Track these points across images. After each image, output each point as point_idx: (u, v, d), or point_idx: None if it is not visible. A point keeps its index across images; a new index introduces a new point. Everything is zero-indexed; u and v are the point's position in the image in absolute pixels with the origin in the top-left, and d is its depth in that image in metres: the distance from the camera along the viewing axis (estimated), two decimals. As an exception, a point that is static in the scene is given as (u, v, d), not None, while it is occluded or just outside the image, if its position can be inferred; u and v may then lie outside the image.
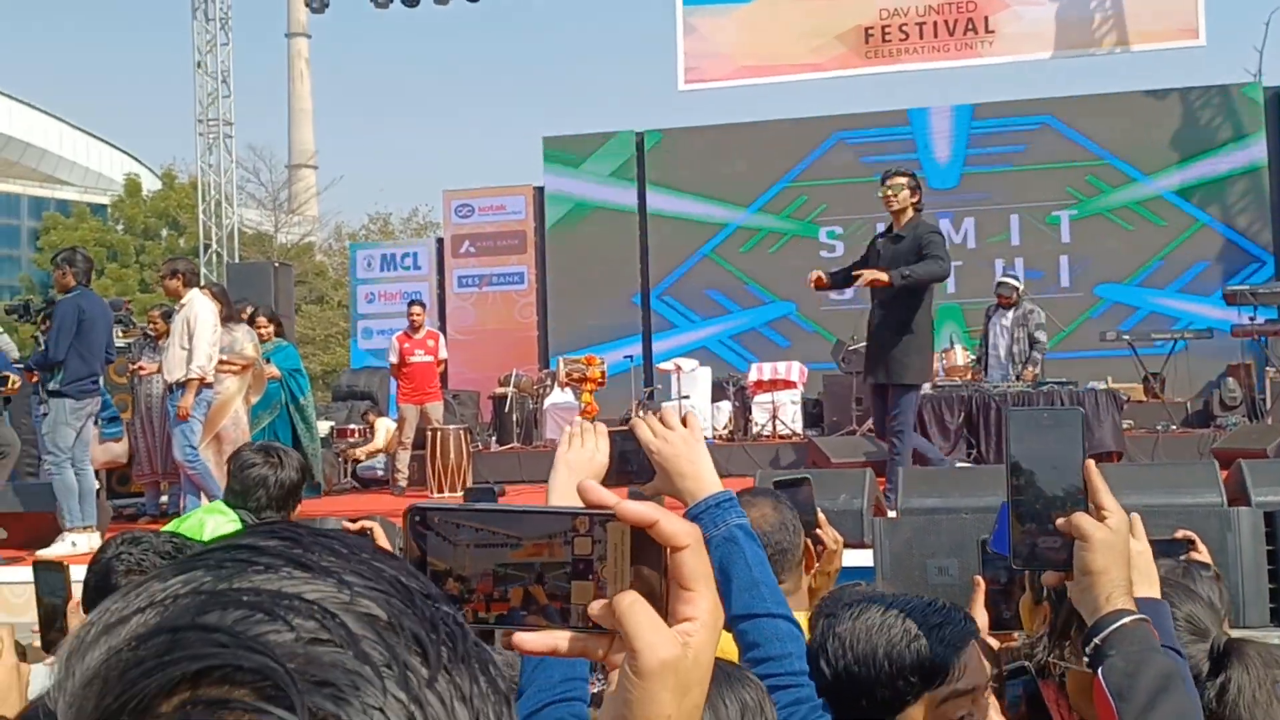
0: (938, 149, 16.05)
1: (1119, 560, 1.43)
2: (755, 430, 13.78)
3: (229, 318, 9.00)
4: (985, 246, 15.72)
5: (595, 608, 0.74)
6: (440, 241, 17.58)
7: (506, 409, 13.72)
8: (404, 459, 10.92)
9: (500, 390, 14.09)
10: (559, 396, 13.97)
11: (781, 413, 13.70)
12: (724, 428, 13.87)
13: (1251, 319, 12.47)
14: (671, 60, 16.13)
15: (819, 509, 2.79)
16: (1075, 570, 1.44)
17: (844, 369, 13.84)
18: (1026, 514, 1.48)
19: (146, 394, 9.41)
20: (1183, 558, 2.92)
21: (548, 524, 0.75)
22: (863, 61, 15.57)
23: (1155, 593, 1.59)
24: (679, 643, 0.73)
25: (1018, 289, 11.14)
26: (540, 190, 16.94)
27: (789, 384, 14.37)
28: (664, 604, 0.74)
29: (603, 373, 13.69)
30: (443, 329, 16.01)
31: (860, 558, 4.92)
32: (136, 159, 46.60)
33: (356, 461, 12.74)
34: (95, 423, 9.45)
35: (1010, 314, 10.98)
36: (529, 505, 0.81)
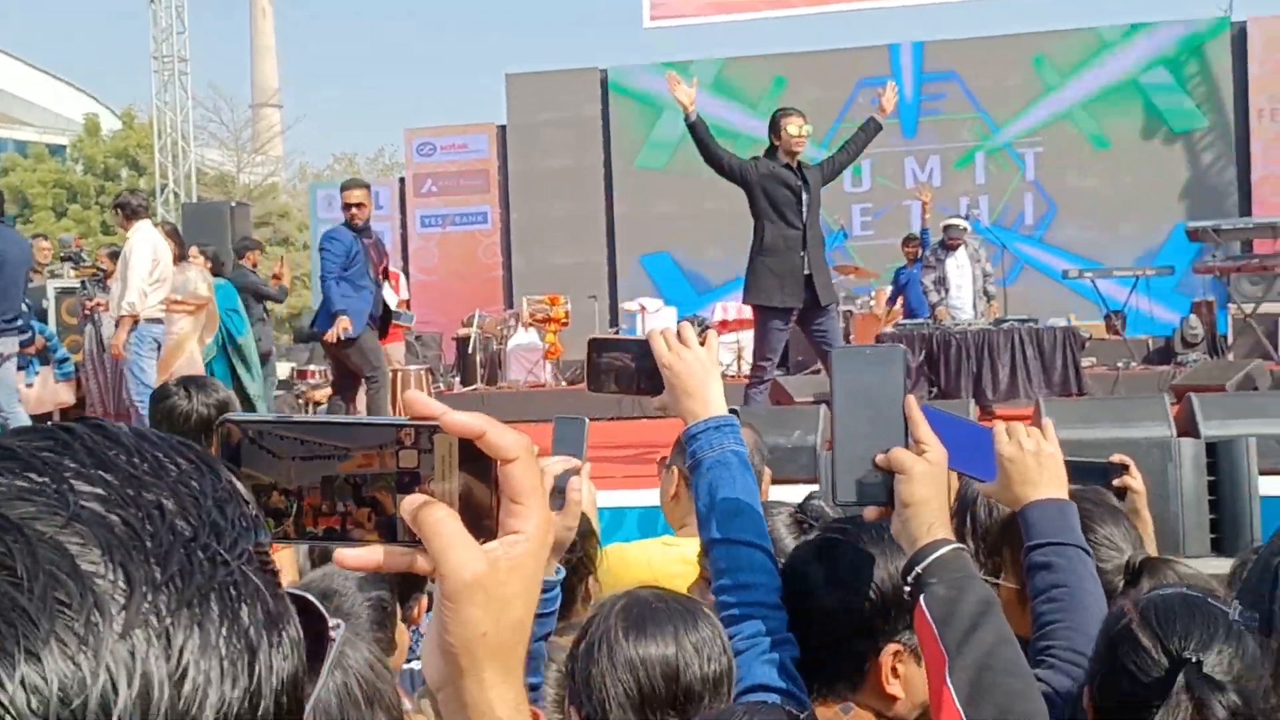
0: (905, 87, 15.98)
1: (938, 492, 1.45)
2: (720, 370, 13.79)
3: (182, 257, 8.90)
4: (950, 184, 15.69)
5: (407, 510, 0.71)
6: (402, 181, 17.40)
7: (470, 350, 13.66)
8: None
9: (463, 331, 14.02)
10: (523, 337, 13.92)
11: (747, 352, 13.72)
12: (689, 367, 13.86)
13: (1213, 255, 12.53)
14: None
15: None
16: (896, 503, 1.45)
17: (809, 308, 13.85)
18: (850, 451, 1.49)
19: (100, 334, 9.33)
20: (1117, 481, 2.95)
21: (373, 435, 0.73)
22: (830, -2, 15.46)
23: (1064, 494, 1.65)
24: (488, 559, 0.71)
25: (967, 229, 11.27)
26: (503, 129, 16.76)
27: (753, 323, 14.38)
28: (494, 517, 0.72)
29: (567, 313, 13.65)
30: (405, 270, 15.88)
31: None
32: (96, 99, 45.80)
33: (317, 404, 12.67)
34: (46, 362, 9.35)
35: (963, 253, 11.09)
36: (351, 416, 0.78)
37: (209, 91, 31.84)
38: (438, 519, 0.70)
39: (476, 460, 0.72)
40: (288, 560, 2.05)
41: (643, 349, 1.75)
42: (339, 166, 37.35)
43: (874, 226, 15.82)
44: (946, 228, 11.40)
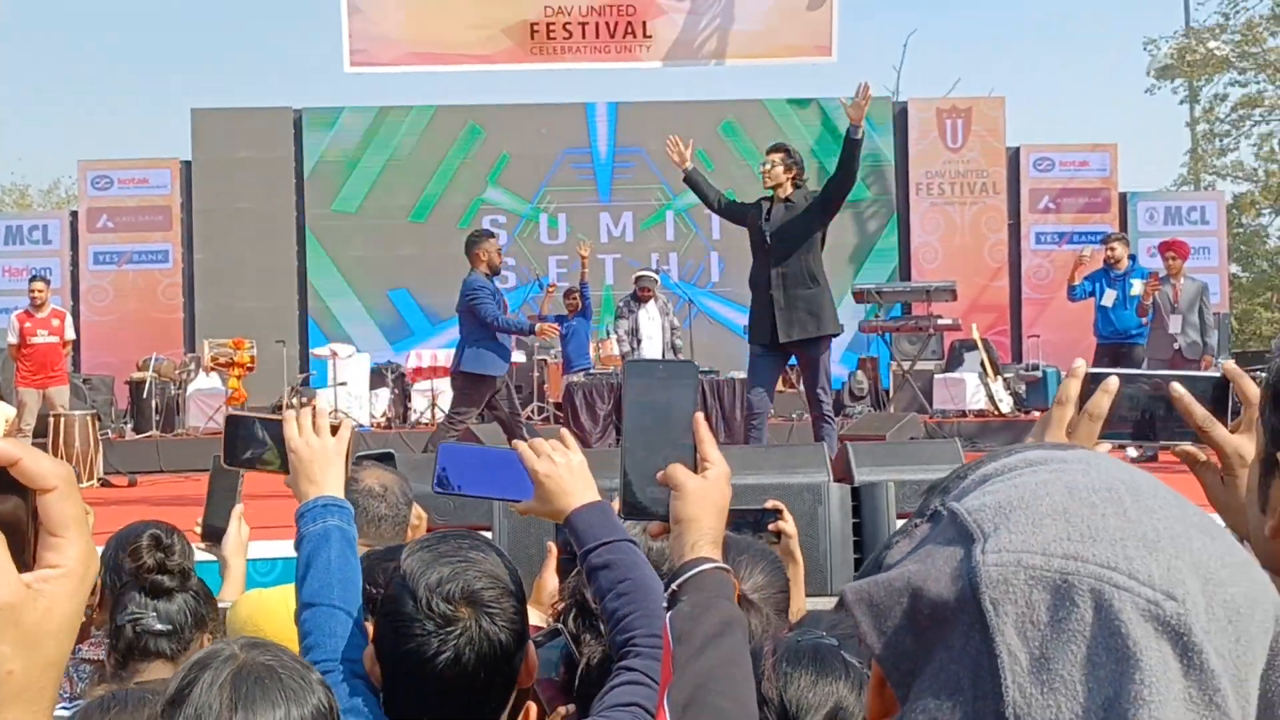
0: (600, 145, 16.49)
1: (709, 510, 1.45)
2: (414, 417, 13.66)
3: None
4: (641, 240, 16.25)
5: None
6: (75, 214, 16.31)
7: (145, 395, 12.92)
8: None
9: (138, 375, 13.25)
10: (204, 382, 13.31)
11: (441, 400, 13.64)
12: (382, 415, 13.66)
13: (877, 316, 13.55)
14: (337, 40, 15.64)
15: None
16: (670, 519, 1.46)
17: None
18: (636, 464, 1.49)
19: None
20: (771, 525, 3.14)
21: None
22: (529, 57, 15.67)
23: (596, 496, 1.71)
24: (20, 590, 0.67)
25: (657, 281, 11.69)
26: (188, 165, 16.04)
27: (449, 371, 14.33)
28: (31, 550, 0.69)
29: (252, 357, 13.15)
30: (76, 309, 14.87)
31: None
32: None
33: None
34: None
35: (653, 306, 11.49)
36: None
37: None
38: None
39: (10, 489, 0.68)
40: None
41: (277, 430, 1.82)
42: (8, 199, 34.67)
43: (569, 279, 16.16)
44: (639, 279, 11.78)
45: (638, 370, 1.53)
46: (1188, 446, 1.20)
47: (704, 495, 1.45)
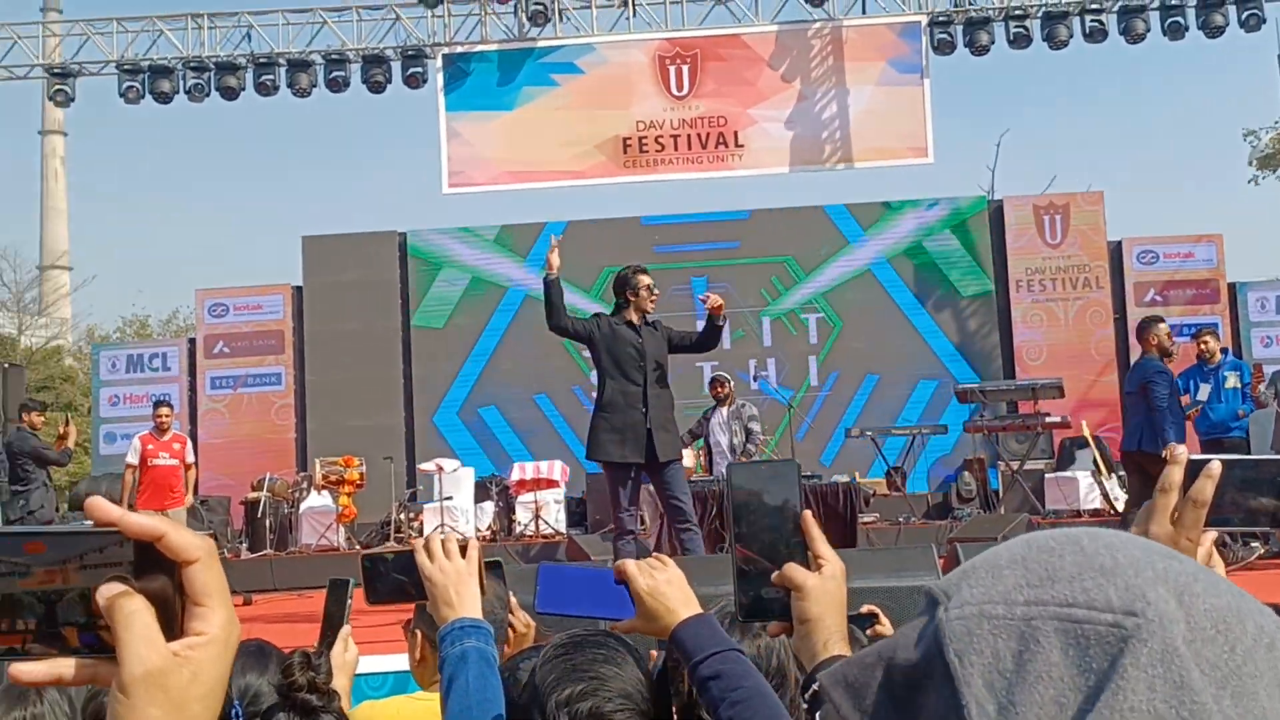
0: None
1: (832, 607, 1.46)
2: (518, 530, 13.73)
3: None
4: (738, 347, 16.26)
5: (103, 597, 0.71)
6: (192, 342, 16.95)
7: (260, 514, 13.23)
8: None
9: (253, 495, 13.59)
10: (315, 500, 13.58)
11: (544, 512, 13.70)
12: (487, 528, 13.76)
13: (981, 415, 13.32)
14: (436, 164, 16.20)
15: (510, 594, 2.85)
16: (794, 619, 1.47)
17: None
18: (749, 567, 1.50)
19: None
20: (869, 631, 3.12)
21: (56, 548, 0.73)
22: (621, 170, 16.05)
23: (698, 609, 1.72)
24: (171, 656, 0.71)
25: (730, 383, 11.37)
26: (299, 290, 16.61)
27: (552, 483, 14.43)
28: (178, 620, 0.73)
29: (362, 474, 13.41)
30: (194, 433, 15.36)
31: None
32: None
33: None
34: None
35: (725, 410, 11.16)
36: (31, 527, 0.78)
37: (-9, 253, 30.61)
38: (131, 611, 0.70)
39: (157, 566, 0.73)
40: None
41: (410, 561, 1.89)
42: (129, 330, 36.15)
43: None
44: (714, 380, 11.55)
45: (740, 472, 1.54)
46: None
47: (825, 593, 1.46)
